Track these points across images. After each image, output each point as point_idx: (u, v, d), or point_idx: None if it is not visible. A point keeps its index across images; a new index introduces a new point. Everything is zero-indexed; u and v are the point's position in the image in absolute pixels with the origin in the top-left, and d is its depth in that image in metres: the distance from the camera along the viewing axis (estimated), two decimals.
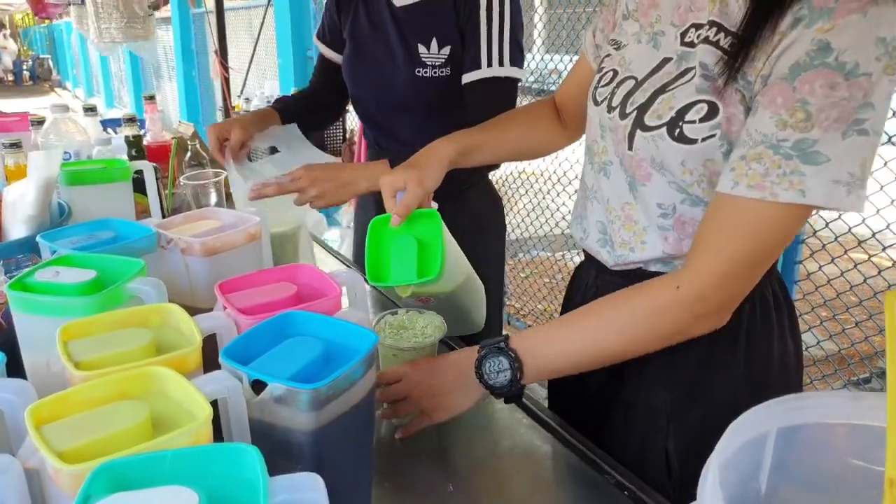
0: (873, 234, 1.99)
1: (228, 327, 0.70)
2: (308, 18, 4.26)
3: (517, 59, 1.30)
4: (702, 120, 0.76)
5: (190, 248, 0.89)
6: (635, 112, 0.83)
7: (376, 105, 1.43)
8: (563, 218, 3.27)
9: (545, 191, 3.34)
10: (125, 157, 1.61)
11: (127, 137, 1.52)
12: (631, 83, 0.87)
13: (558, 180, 3.23)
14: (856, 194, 0.68)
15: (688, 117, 0.77)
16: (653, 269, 0.89)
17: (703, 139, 0.76)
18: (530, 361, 0.83)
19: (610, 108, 0.89)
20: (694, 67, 0.78)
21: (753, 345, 0.89)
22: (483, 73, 1.29)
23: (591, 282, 0.99)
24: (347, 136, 3.57)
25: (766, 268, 0.78)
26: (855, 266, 2.02)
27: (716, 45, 0.76)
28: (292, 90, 3.86)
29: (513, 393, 0.84)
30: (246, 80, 4.27)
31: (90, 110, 1.64)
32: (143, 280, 0.76)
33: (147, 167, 1.28)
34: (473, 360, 0.85)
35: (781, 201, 0.69)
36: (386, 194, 0.96)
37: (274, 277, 0.80)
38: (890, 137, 1.79)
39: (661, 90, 0.81)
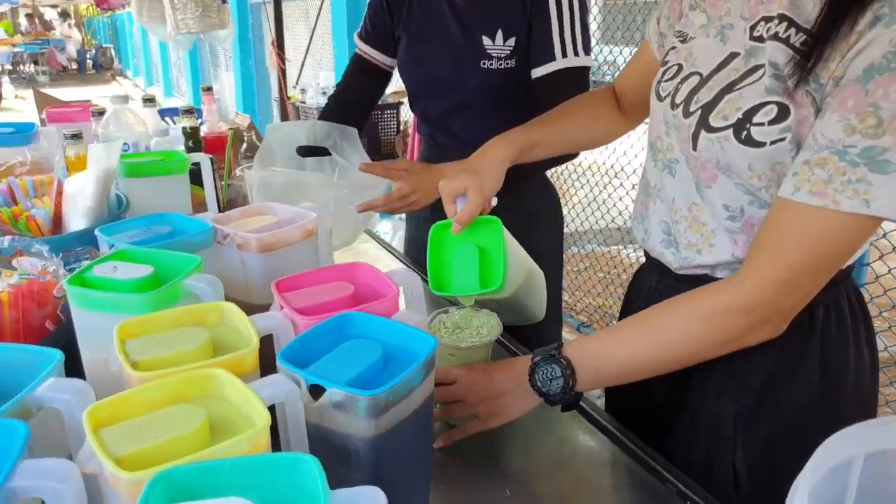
0: None
1: (285, 327, 0.69)
2: (364, 9, 4.26)
3: (588, 46, 1.26)
4: (771, 122, 0.72)
5: (246, 243, 0.88)
6: (700, 111, 0.80)
7: (437, 101, 1.40)
8: (620, 213, 3.20)
9: (602, 184, 3.27)
10: (182, 148, 1.62)
11: (184, 128, 1.53)
12: (696, 79, 0.82)
13: (615, 175, 3.16)
14: None
15: (756, 119, 0.73)
16: (720, 274, 0.85)
17: (772, 142, 0.72)
18: (584, 370, 0.80)
19: (674, 105, 0.85)
20: (763, 65, 0.74)
21: (827, 354, 0.84)
22: (557, 64, 1.25)
23: (654, 286, 0.95)
24: (401, 128, 3.56)
25: (826, 277, 0.73)
26: None
27: (786, 42, 0.72)
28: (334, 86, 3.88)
29: (567, 401, 0.82)
30: (301, 70, 4.30)
31: (149, 101, 1.66)
32: (200, 277, 0.76)
33: (204, 159, 1.28)
34: (528, 367, 0.82)
35: (844, 210, 0.66)
36: (446, 200, 0.94)
37: (331, 276, 0.79)
38: None
39: (728, 89, 0.77)
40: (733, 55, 0.79)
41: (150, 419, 0.52)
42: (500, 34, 1.28)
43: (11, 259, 0.88)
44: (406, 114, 3.72)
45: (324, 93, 3.52)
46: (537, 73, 1.27)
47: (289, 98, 3.96)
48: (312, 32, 2.94)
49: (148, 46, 14.25)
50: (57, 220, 1.08)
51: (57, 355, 0.60)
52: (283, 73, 2.18)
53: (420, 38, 1.38)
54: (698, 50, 0.85)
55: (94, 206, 1.04)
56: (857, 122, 0.65)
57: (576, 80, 1.27)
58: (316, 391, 0.58)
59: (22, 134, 1.43)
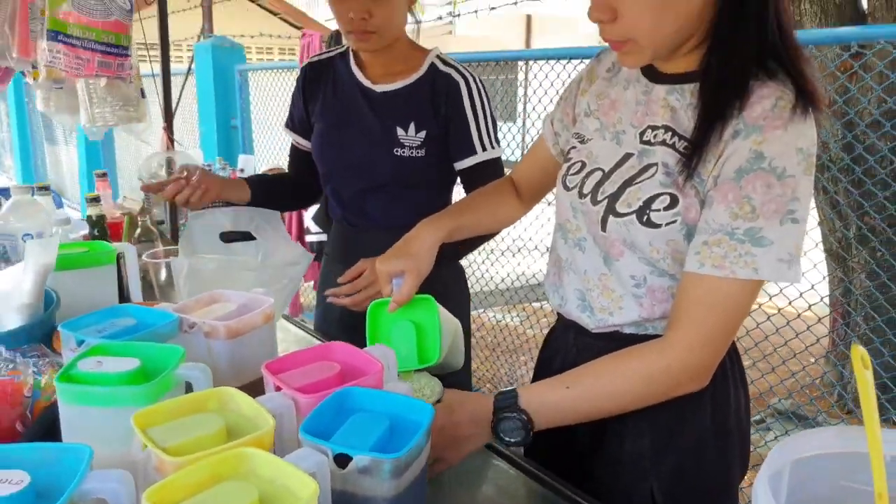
0: None
1: (288, 407, 0.75)
2: (233, 87, 4.30)
3: (497, 138, 1.47)
4: (665, 209, 0.91)
5: (214, 331, 0.93)
6: (606, 200, 0.97)
7: (349, 184, 1.51)
8: (503, 280, 3.41)
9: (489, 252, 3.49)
10: (79, 236, 1.60)
11: (90, 217, 1.52)
12: (599, 174, 1.00)
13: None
14: (795, 269, 0.85)
15: (653, 206, 0.92)
16: (628, 331, 1.02)
17: (667, 224, 0.91)
18: (541, 421, 0.93)
19: (581, 195, 1.02)
20: (655, 164, 0.93)
21: (716, 394, 1.02)
22: (478, 157, 1.44)
23: (572, 343, 1.10)
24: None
25: (734, 333, 0.92)
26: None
27: (673, 147, 0.92)
28: (217, 158, 3.87)
29: (524, 444, 0.93)
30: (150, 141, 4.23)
31: (43, 189, 1.62)
32: (190, 365, 0.80)
33: (128, 249, 1.29)
34: (489, 414, 0.93)
35: (740, 277, 0.85)
36: (384, 281, 1.06)
37: (313, 357, 0.86)
38: None
39: (629, 183, 0.95)
40: (628, 155, 0.97)
41: (203, 498, 0.57)
42: (412, 126, 1.43)
43: None
44: None
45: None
46: (461, 165, 1.45)
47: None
48: (174, 109, 2.93)
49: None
50: None
51: (88, 450, 0.62)
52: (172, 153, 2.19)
53: (335, 123, 1.50)
54: (597, 150, 1.03)
55: (31, 303, 1.03)
56: (738, 210, 0.85)
57: (493, 169, 1.46)
58: (340, 460, 0.66)
59: None
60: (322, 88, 1.52)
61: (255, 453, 0.63)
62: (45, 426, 0.81)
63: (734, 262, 0.85)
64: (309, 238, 3.34)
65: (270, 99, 4.50)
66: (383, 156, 1.44)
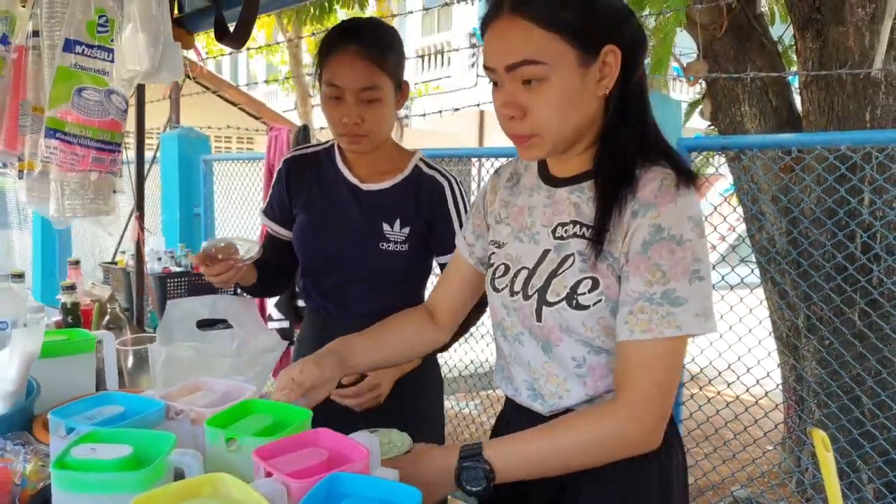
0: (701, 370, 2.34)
1: (281, 492, 0.78)
2: (198, 176, 4.36)
3: None
4: (589, 291, 1.01)
5: (201, 417, 0.95)
6: (537, 294, 1.05)
7: (332, 275, 1.56)
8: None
9: None
10: (51, 323, 1.60)
11: (64, 304, 1.53)
12: (525, 272, 1.09)
13: None
14: (711, 322, 0.96)
15: (579, 291, 1.01)
16: (578, 408, 1.07)
17: (594, 304, 1.01)
18: (502, 472, 0.98)
19: (512, 293, 1.10)
20: (572, 255, 1.03)
21: (661, 457, 1.07)
22: None
23: (526, 425, 1.10)
24: (238, 292, 3.61)
25: (675, 390, 1.00)
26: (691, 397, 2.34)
27: (583, 237, 1.03)
28: (179, 245, 3.88)
29: (486, 495, 0.97)
30: (123, 235, 4.23)
31: (18, 276, 1.63)
32: (182, 452, 0.82)
33: (107, 336, 1.31)
34: (454, 466, 0.98)
35: (668, 336, 0.94)
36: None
37: (300, 444, 0.89)
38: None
39: (553, 275, 1.04)
40: (546, 251, 1.07)
41: None
42: (398, 222, 1.50)
43: None
44: None
45: (159, 258, 3.50)
46: (442, 259, 1.52)
47: (116, 262, 3.85)
48: (139, 197, 2.96)
49: None
50: None
51: None
52: (142, 242, 2.21)
53: (320, 216, 1.55)
54: (517, 252, 1.12)
55: (15, 390, 1.04)
56: (651, 277, 0.95)
57: None
58: None
59: None
60: (307, 182, 1.57)
61: None
62: None
63: (659, 324, 0.94)
64: (271, 325, 3.34)
65: (233, 188, 4.58)
66: (369, 250, 1.50)
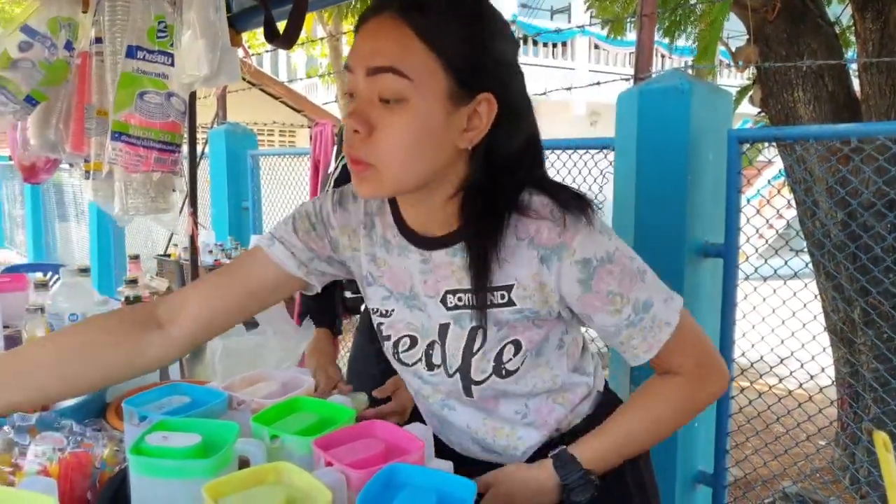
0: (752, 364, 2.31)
1: (341, 481, 0.81)
2: (245, 171, 4.47)
3: None
4: (514, 355, 0.96)
5: (261, 408, 0.99)
6: (459, 374, 0.99)
7: None
8: None
9: None
10: None
11: (128, 297, 1.60)
12: (437, 346, 1.00)
13: None
14: (677, 300, 0.95)
15: (504, 358, 0.96)
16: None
17: (522, 363, 0.97)
18: (600, 470, 0.98)
19: (431, 367, 1.02)
20: (479, 328, 0.95)
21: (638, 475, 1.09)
22: None
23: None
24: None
25: (707, 338, 1.01)
26: (741, 391, 2.30)
27: (493, 304, 0.94)
28: (228, 238, 3.99)
29: (590, 500, 0.97)
30: (174, 229, 4.36)
31: (84, 271, 1.71)
32: (247, 441, 0.87)
33: None
34: (553, 481, 0.96)
35: (664, 340, 0.94)
36: None
37: (356, 435, 0.92)
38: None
39: (469, 353, 0.97)
40: (445, 325, 0.98)
41: None
42: None
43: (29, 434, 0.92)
44: None
45: (210, 251, 3.61)
46: None
47: (169, 255, 3.99)
48: (189, 191, 3.06)
49: None
50: None
51: None
52: (196, 236, 2.30)
53: None
54: (415, 321, 1.01)
55: None
56: (612, 307, 0.91)
57: None
58: None
59: None
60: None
61: None
62: (110, 495, 0.87)
63: (654, 335, 0.93)
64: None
65: (278, 182, 4.68)
66: None
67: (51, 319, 1.47)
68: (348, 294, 3.46)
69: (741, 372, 2.40)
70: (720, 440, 2.08)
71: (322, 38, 8.09)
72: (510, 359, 0.96)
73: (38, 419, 0.94)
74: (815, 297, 3.04)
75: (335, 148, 3.61)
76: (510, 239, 0.91)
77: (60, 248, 8.86)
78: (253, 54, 9.03)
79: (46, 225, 9.22)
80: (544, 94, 3.08)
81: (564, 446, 0.98)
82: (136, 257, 1.92)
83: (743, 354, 2.26)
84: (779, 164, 3.28)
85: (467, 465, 1.02)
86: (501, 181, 0.91)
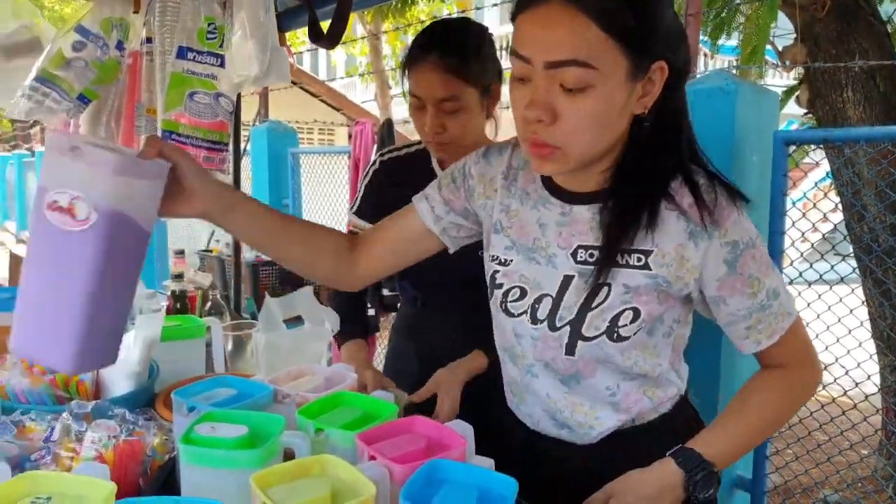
0: None
1: (384, 475, 0.83)
2: (286, 169, 4.53)
3: None
4: (631, 322, 0.97)
5: (305, 402, 1.01)
6: (568, 327, 0.99)
7: (434, 277, 1.55)
8: None
9: None
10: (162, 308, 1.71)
11: (173, 291, 1.64)
12: (549, 300, 1.00)
13: None
14: (792, 294, 1.02)
15: (620, 323, 0.97)
16: (612, 429, 1.05)
17: (634, 334, 0.98)
18: (722, 465, 0.99)
19: (535, 321, 1.02)
20: (605, 284, 0.96)
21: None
22: None
23: (556, 455, 1.09)
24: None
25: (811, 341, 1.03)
26: None
27: (627, 265, 0.96)
28: None
29: (715, 495, 0.99)
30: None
31: None
32: (293, 433, 0.89)
33: (215, 323, 1.40)
34: (676, 479, 0.96)
35: (787, 327, 0.98)
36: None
37: (398, 430, 0.93)
38: None
39: (587, 307, 0.97)
40: (569, 277, 0.99)
41: None
42: None
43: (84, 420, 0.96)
44: None
45: (252, 249, 3.68)
46: None
47: (211, 250, 4.07)
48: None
49: (24, 190, 13.76)
50: (97, 383, 1.16)
51: None
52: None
53: None
54: (532, 274, 1.02)
55: (140, 371, 1.14)
56: (751, 289, 0.96)
57: None
58: None
59: None
60: (402, 186, 1.59)
61: None
62: (161, 482, 0.90)
63: (778, 322, 0.98)
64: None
65: (318, 180, 4.73)
66: (473, 256, 1.40)
67: None
68: (386, 291, 3.47)
69: None
70: (760, 446, 2.04)
71: (362, 37, 8.14)
72: (626, 324, 0.96)
73: (93, 407, 0.97)
74: (862, 302, 2.96)
75: (375, 146, 3.64)
76: (661, 206, 0.95)
77: None
78: (294, 53, 9.14)
79: None
80: None
81: (682, 445, 0.99)
82: (182, 252, 1.97)
83: None
84: (825, 166, 3.19)
85: (537, 441, 1.09)
86: (664, 143, 0.95)
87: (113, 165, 0.81)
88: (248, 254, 3.60)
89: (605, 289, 0.96)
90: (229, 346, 1.74)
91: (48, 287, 0.85)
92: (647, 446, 1.04)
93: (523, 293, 1.03)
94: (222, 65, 1.36)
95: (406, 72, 1.46)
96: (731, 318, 0.98)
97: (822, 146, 2.26)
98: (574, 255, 0.99)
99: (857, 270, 2.92)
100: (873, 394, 2.38)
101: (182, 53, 1.36)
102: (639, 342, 0.99)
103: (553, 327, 1.00)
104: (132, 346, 1.15)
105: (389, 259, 1.16)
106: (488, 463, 0.86)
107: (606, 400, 1.03)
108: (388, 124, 3.64)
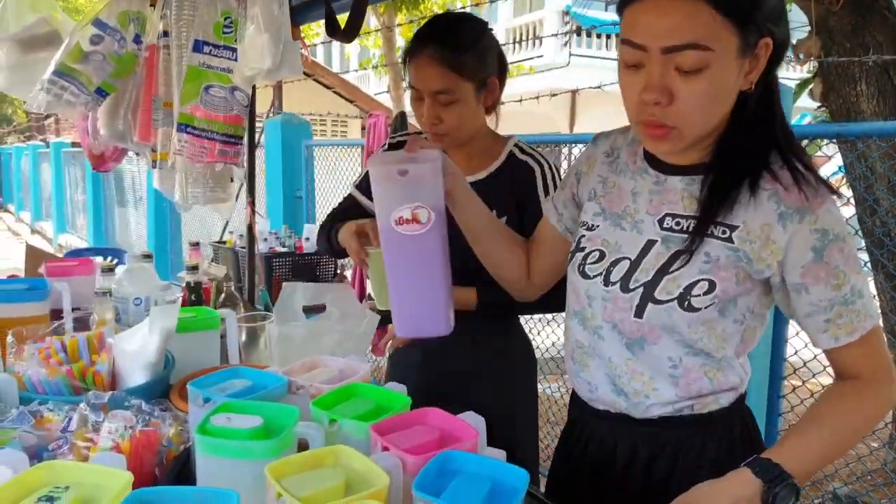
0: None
1: (397, 465, 0.84)
2: (300, 161, 4.55)
3: None
4: (704, 294, 0.97)
5: (319, 392, 1.03)
6: (642, 288, 1.01)
7: None
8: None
9: None
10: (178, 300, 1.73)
11: (188, 283, 1.66)
12: (626, 263, 1.03)
13: None
14: (876, 301, 0.98)
15: (694, 292, 0.98)
16: (668, 414, 1.04)
17: (706, 307, 0.98)
18: (802, 479, 0.95)
19: (608, 283, 1.05)
20: (685, 252, 0.98)
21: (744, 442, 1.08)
22: None
23: (608, 431, 1.10)
24: (339, 271, 3.76)
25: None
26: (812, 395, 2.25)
27: (711, 235, 0.97)
28: (283, 227, 4.08)
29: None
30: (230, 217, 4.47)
31: (147, 257, 1.78)
32: (307, 424, 0.90)
33: (230, 314, 1.42)
34: (754, 491, 0.91)
35: (868, 329, 0.96)
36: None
37: (410, 421, 0.95)
38: None
39: (664, 272, 0.99)
40: (651, 242, 1.02)
41: None
42: (493, 213, 1.53)
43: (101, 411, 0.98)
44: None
45: (265, 239, 3.70)
46: None
47: (225, 241, 4.10)
48: (244, 180, 3.17)
49: (38, 181, 13.89)
50: (113, 374, 1.18)
51: (235, 495, 0.72)
52: (254, 225, 2.37)
53: None
54: (614, 238, 1.06)
55: (156, 362, 1.16)
56: (836, 281, 0.94)
57: None
58: None
59: (38, 290, 1.51)
60: None
61: None
62: (176, 472, 0.92)
63: (860, 321, 0.95)
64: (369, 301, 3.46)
65: (332, 172, 4.75)
66: (457, 244, 1.53)
67: (116, 303, 1.54)
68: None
69: (793, 371, 2.35)
70: (771, 439, 2.04)
71: (376, 30, 8.14)
72: (699, 295, 0.97)
73: (109, 398, 0.99)
74: (874, 296, 2.94)
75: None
76: (759, 183, 0.96)
77: (119, 233, 9.18)
78: (308, 45, 9.14)
79: (106, 210, 9.57)
80: (599, 87, 3.05)
81: (758, 455, 0.95)
82: (197, 244, 1.99)
83: (796, 353, 2.21)
84: (838, 160, 3.16)
85: (588, 419, 1.12)
86: (766, 119, 0.97)
87: (431, 172, 1.04)
88: (262, 245, 3.63)
89: (686, 256, 0.98)
90: (243, 338, 1.76)
91: (414, 281, 1.09)
92: (700, 441, 1.04)
93: (601, 256, 1.07)
94: (238, 59, 1.37)
95: (407, 63, 1.49)
96: (811, 309, 0.96)
97: (834, 140, 2.25)
98: (661, 221, 1.02)
99: (868, 265, 2.90)
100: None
101: (198, 47, 1.37)
102: (708, 318, 0.98)
103: (626, 289, 1.02)
104: (148, 337, 1.17)
105: (547, 264, 1.25)
106: (500, 454, 0.88)
107: (667, 371, 1.02)
108: (402, 117, 3.65)
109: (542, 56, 12.13)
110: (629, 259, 1.03)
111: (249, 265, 2.58)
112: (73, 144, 10.60)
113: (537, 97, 3.23)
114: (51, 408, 1.01)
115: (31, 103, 1.55)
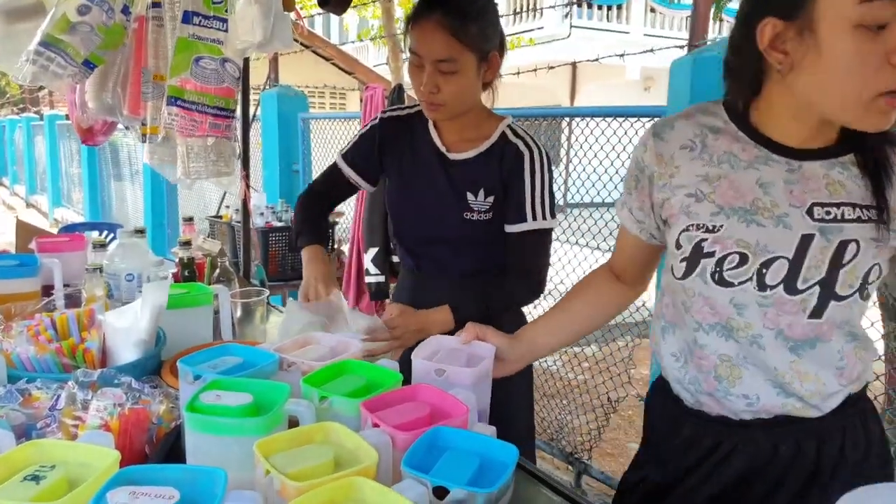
0: None
1: (387, 442, 0.84)
2: (296, 134, 4.52)
3: (553, 210, 1.51)
4: (877, 278, 0.96)
5: (311, 370, 1.02)
6: (818, 287, 0.94)
7: (421, 237, 1.60)
8: None
9: None
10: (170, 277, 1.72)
11: (181, 259, 1.65)
12: (783, 262, 0.95)
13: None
14: None
15: (870, 280, 0.95)
16: (838, 408, 1.00)
17: (874, 292, 0.97)
18: None
19: (763, 287, 0.96)
20: (852, 241, 0.93)
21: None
22: (528, 225, 1.48)
23: (764, 438, 1.02)
24: (335, 246, 3.76)
25: None
26: None
27: (870, 220, 0.94)
28: (279, 201, 4.06)
29: None
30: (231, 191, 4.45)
31: (140, 232, 1.76)
32: (297, 401, 0.89)
33: (223, 290, 1.41)
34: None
35: None
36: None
37: (402, 397, 0.94)
38: None
39: (837, 265, 0.94)
40: (808, 237, 0.94)
41: None
42: (481, 192, 1.51)
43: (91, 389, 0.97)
44: (340, 231, 3.92)
45: (261, 213, 3.69)
46: (510, 229, 1.51)
47: (221, 217, 4.08)
48: (241, 154, 3.13)
49: (33, 155, 13.80)
50: (103, 351, 1.17)
51: (222, 473, 0.72)
52: (248, 199, 2.35)
53: (410, 183, 1.59)
54: (756, 238, 0.96)
55: (147, 339, 1.15)
56: None
57: (541, 239, 1.51)
58: (438, 492, 0.74)
59: (28, 266, 1.50)
60: (400, 146, 1.61)
61: (366, 482, 0.72)
62: (167, 449, 0.92)
63: None
64: (368, 279, 3.46)
65: (329, 145, 4.71)
66: (454, 218, 1.52)
67: (108, 279, 1.53)
68: (395, 258, 3.50)
69: None
70: None
71: (374, 0, 8.02)
72: (873, 280, 0.95)
73: (99, 375, 0.98)
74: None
75: None
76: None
77: (115, 207, 9.14)
78: (305, 17, 9.02)
79: (102, 184, 9.51)
80: (597, 60, 3.01)
81: None
82: (191, 219, 1.97)
83: None
84: None
85: (739, 427, 1.02)
86: None
87: (470, 380, 1.04)
88: (258, 219, 3.61)
89: (853, 245, 0.93)
90: (238, 313, 1.76)
91: None
92: (861, 421, 1.03)
93: (743, 259, 0.96)
94: (228, 30, 1.34)
95: (409, 28, 1.46)
96: None
97: None
98: (810, 213, 0.94)
99: None
100: (875, 360, 2.36)
101: (187, 18, 1.34)
102: (871, 301, 0.96)
103: (793, 290, 0.95)
104: (139, 314, 1.16)
105: (637, 268, 1.22)
106: (490, 430, 0.87)
107: (834, 365, 0.97)
108: (399, 89, 3.61)
109: (542, 28, 11.98)
110: (786, 258, 0.95)
111: (245, 240, 2.56)
112: (68, 117, 10.51)
113: (535, 70, 3.18)
114: (39, 386, 1.01)
115: (16, 75, 1.52)
